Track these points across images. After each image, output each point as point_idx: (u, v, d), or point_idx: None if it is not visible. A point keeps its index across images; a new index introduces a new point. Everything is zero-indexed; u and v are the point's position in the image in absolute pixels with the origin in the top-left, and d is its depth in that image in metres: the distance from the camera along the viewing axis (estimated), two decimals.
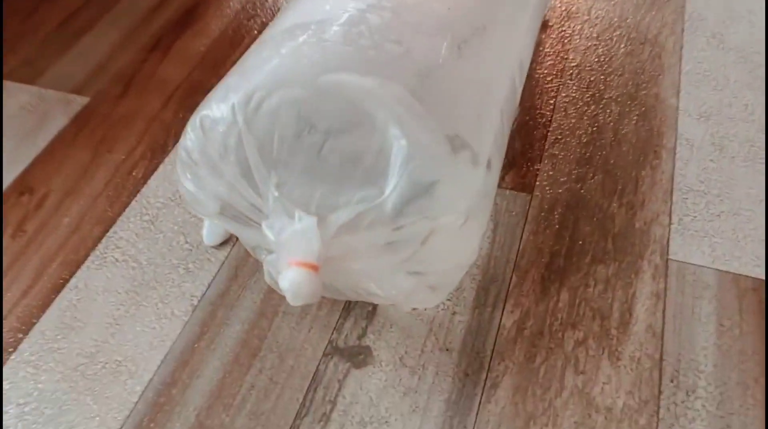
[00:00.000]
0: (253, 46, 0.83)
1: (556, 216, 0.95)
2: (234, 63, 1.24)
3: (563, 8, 1.32)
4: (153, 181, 1.01)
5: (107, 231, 0.95)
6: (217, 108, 0.72)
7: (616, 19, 1.30)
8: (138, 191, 1.00)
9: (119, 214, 0.97)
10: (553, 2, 1.33)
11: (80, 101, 1.14)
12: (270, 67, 0.73)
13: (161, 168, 1.03)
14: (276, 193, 0.71)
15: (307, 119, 0.69)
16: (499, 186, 0.98)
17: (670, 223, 0.94)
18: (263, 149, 0.70)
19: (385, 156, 0.68)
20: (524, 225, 0.94)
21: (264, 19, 1.30)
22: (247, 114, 0.70)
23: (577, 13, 1.31)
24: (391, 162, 0.68)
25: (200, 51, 1.24)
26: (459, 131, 0.73)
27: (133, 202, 0.98)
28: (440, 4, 0.83)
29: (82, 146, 1.07)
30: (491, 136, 0.79)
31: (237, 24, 1.30)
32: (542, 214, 0.96)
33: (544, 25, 1.28)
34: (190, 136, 0.74)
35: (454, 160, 0.71)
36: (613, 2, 1.34)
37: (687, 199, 0.97)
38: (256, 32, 1.27)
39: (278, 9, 1.32)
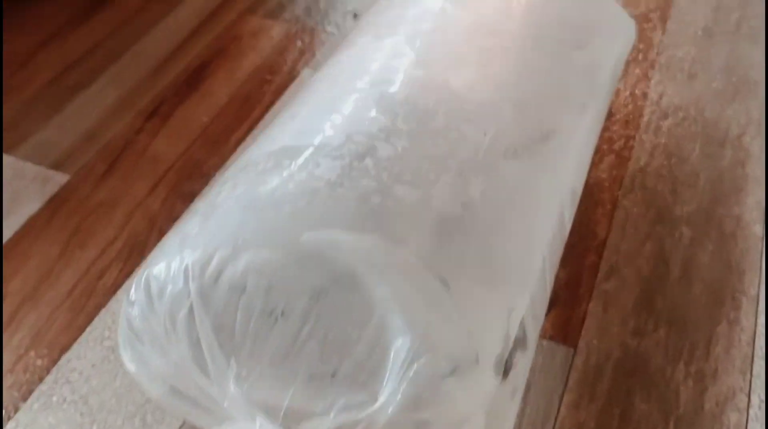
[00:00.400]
0: (231, 170, 0.66)
1: (605, 383, 0.76)
2: (239, 141, 1.09)
3: (627, 92, 1.13)
4: (123, 292, 0.86)
5: (60, 358, 0.80)
6: (167, 267, 0.56)
7: (692, 111, 1.09)
8: (104, 304, 0.85)
9: (77, 336, 0.81)
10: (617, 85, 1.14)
11: (59, 180, 1.00)
12: (241, 214, 0.56)
13: (137, 272, 0.88)
14: (234, 389, 0.55)
15: (282, 294, 0.52)
16: None
17: (748, 406, 0.74)
18: (221, 330, 0.54)
19: (381, 351, 0.51)
20: (563, 393, 0.75)
21: (278, 86, 1.14)
22: (204, 282, 0.53)
23: (645, 100, 1.11)
24: (390, 360, 0.51)
25: (203, 122, 1.09)
26: (486, 321, 0.55)
27: (96, 320, 0.83)
28: (474, 129, 0.65)
29: (52, 239, 0.92)
30: (528, 313, 0.60)
31: (247, 90, 1.14)
32: (587, 378, 0.77)
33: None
34: (131, 300, 0.58)
35: (474, 369, 0.53)
36: (688, 87, 1.13)
37: None
38: (267, 102, 1.11)
39: (295, 75, 1.15)
